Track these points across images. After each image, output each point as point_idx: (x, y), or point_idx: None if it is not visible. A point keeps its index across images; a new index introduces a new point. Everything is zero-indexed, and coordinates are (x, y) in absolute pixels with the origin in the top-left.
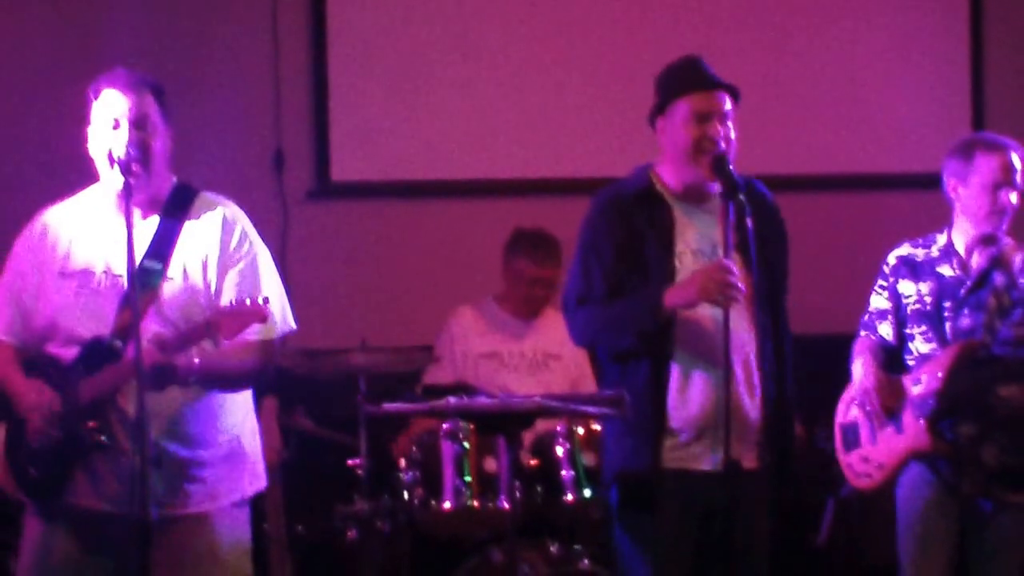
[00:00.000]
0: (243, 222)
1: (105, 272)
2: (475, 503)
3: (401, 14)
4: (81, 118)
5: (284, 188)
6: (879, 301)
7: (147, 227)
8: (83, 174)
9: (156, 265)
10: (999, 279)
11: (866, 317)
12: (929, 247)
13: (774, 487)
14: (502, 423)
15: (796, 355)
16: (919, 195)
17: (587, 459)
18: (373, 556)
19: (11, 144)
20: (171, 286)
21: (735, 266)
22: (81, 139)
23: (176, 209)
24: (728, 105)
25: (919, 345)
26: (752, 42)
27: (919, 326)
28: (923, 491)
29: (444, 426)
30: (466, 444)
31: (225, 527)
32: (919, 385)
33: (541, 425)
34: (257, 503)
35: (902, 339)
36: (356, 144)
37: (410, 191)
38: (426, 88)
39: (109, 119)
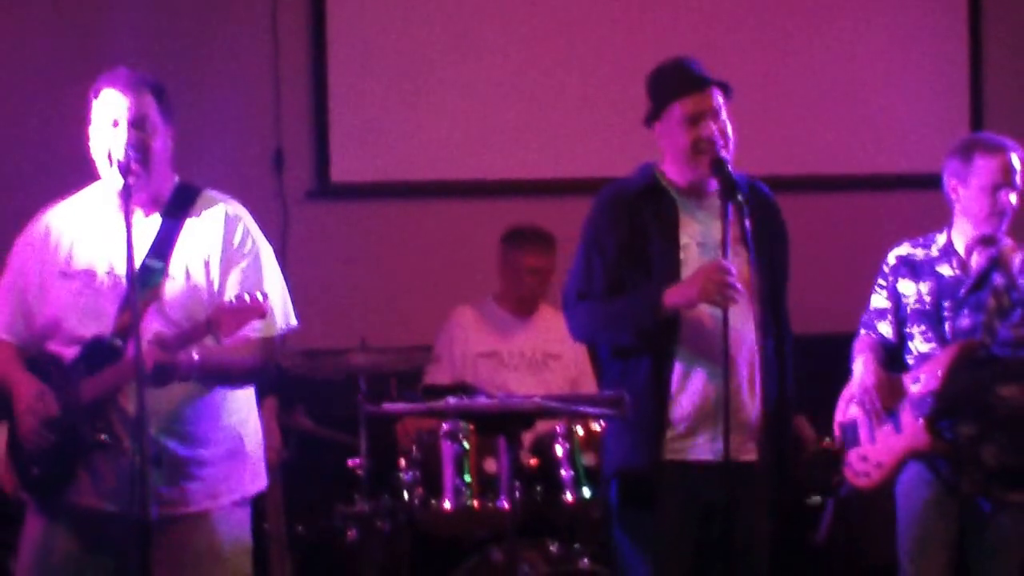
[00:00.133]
0: (245, 219)
1: (108, 272)
2: (475, 503)
3: (401, 14)
4: (81, 118)
5: (284, 188)
6: (879, 300)
7: (149, 226)
8: (84, 174)
9: (158, 264)
10: (998, 279)
11: (866, 316)
12: (929, 247)
13: (774, 486)
14: (502, 423)
15: (796, 355)
16: (918, 195)
17: (587, 459)
18: (373, 556)
19: (12, 144)
20: (173, 285)
21: (734, 266)
22: (81, 139)
23: (178, 208)
24: (720, 100)
25: (918, 344)
26: (752, 42)
27: (918, 326)
28: (922, 490)
29: (444, 426)
30: (466, 444)
31: (226, 526)
32: (918, 384)
33: (541, 425)
34: (257, 502)
35: (902, 338)
36: (356, 144)
37: (410, 191)
38: (426, 88)
39: (109, 119)
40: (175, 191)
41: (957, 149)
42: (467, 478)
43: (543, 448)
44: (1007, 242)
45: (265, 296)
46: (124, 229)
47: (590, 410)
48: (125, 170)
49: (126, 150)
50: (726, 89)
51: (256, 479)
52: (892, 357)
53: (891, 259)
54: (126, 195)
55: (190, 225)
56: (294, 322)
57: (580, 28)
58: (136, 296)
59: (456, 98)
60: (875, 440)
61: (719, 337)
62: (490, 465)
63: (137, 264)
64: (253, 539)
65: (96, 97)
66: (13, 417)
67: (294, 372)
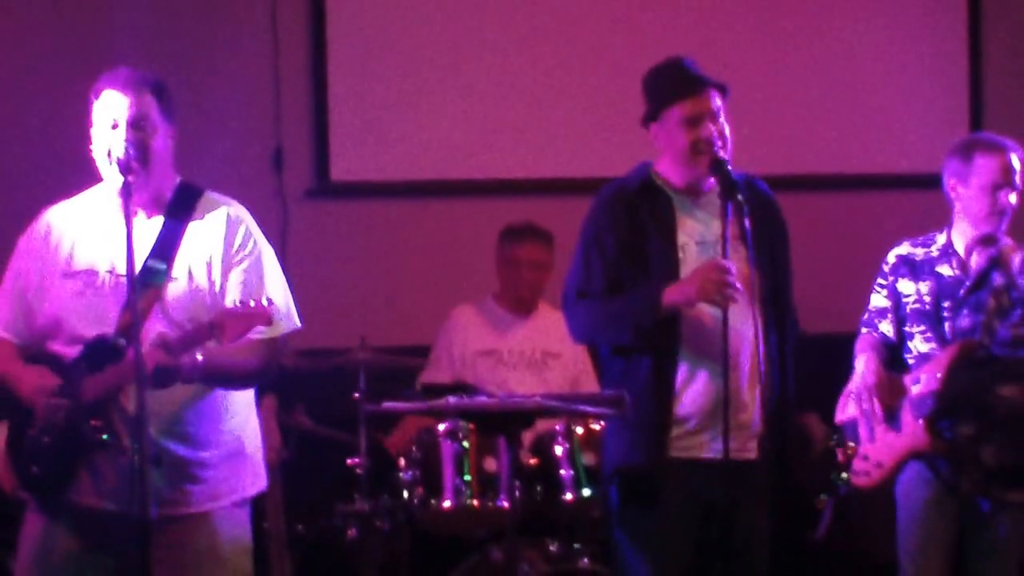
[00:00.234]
0: (248, 221)
1: (109, 272)
2: (475, 502)
3: (401, 14)
4: (82, 118)
5: (284, 187)
6: (879, 299)
7: (151, 227)
8: (85, 174)
9: (160, 265)
10: (998, 279)
11: (866, 315)
12: (929, 246)
13: (775, 485)
14: (502, 422)
15: (796, 354)
16: (917, 195)
17: (586, 458)
18: (373, 555)
19: (13, 144)
20: (175, 286)
21: (733, 265)
22: (82, 139)
23: (180, 209)
24: (717, 102)
25: (918, 344)
26: (751, 42)
27: (918, 325)
28: (922, 490)
29: (444, 425)
30: (466, 443)
31: (226, 526)
32: (918, 384)
33: (540, 424)
34: (257, 502)
35: (902, 337)
36: (356, 143)
37: (410, 190)
38: (426, 88)
39: (109, 119)
40: (177, 192)
41: (957, 149)
42: (467, 477)
43: (543, 447)
44: (1007, 241)
45: (271, 302)
46: (124, 229)
47: (590, 409)
48: (125, 169)
49: (126, 149)
50: (724, 90)
51: (256, 480)
52: (893, 356)
53: (891, 258)
54: (126, 194)
55: (193, 227)
56: (297, 323)
57: (580, 28)
58: (135, 296)
59: (456, 98)
60: (875, 440)
61: (720, 336)
62: (490, 464)
63: (139, 264)
64: (253, 538)
65: (97, 97)
66: (13, 416)
67: (294, 371)
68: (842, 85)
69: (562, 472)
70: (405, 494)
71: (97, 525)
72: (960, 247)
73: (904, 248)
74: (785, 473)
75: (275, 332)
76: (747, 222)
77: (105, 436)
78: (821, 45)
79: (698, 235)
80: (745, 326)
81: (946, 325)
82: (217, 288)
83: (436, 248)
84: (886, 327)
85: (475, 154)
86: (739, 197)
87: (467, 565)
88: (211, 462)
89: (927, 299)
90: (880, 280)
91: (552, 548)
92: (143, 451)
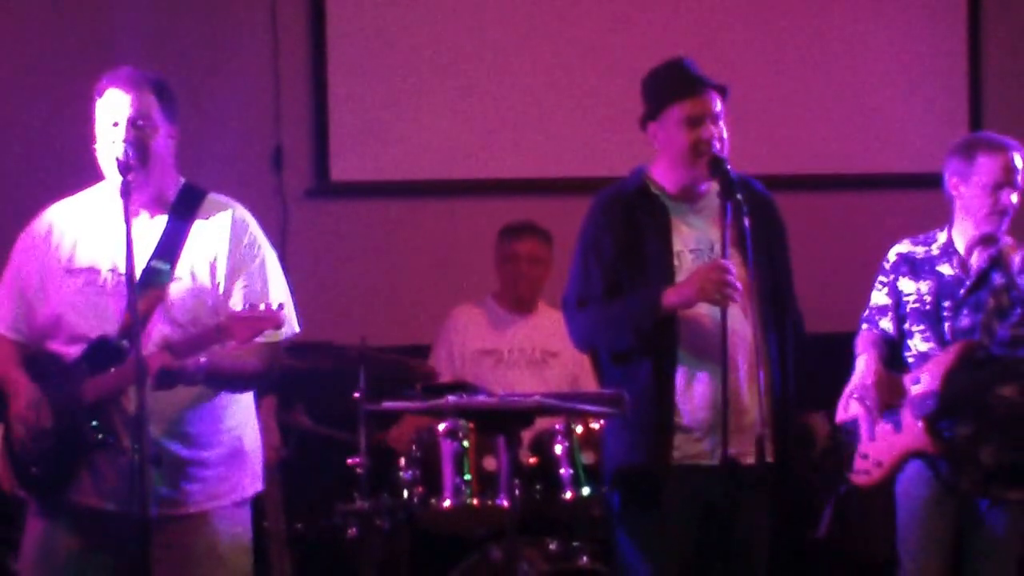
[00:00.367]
0: (252, 225)
1: (111, 271)
2: (474, 501)
3: (401, 14)
4: (83, 117)
5: (283, 187)
6: (879, 297)
7: (155, 227)
8: (86, 174)
9: (164, 265)
10: (998, 279)
11: (867, 312)
12: (929, 245)
13: (775, 486)
14: (502, 421)
15: (798, 354)
16: (917, 195)
17: (586, 457)
18: (373, 554)
19: (13, 143)
20: (179, 287)
21: (733, 265)
22: (84, 139)
23: (184, 209)
24: (718, 105)
25: (918, 343)
26: (751, 42)
27: (918, 325)
28: (922, 489)
29: (444, 425)
30: (465, 443)
31: (226, 526)
32: (918, 385)
33: (540, 423)
34: (257, 501)
35: (902, 334)
36: (355, 143)
37: (409, 190)
38: (426, 87)
39: (110, 118)
40: (180, 192)
41: (959, 147)
42: (467, 476)
43: (542, 446)
44: (1007, 240)
45: (281, 307)
46: (124, 228)
47: (590, 408)
48: (124, 168)
49: (125, 148)
50: (724, 93)
51: (255, 480)
52: (893, 353)
53: (892, 256)
54: (126, 193)
55: (197, 227)
56: (296, 328)
57: (580, 28)
58: (135, 295)
59: (456, 98)
60: (875, 438)
61: (718, 336)
62: (489, 463)
63: (142, 264)
64: (253, 538)
65: (100, 96)
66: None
67: (294, 371)
68: (842, 85)
69: (561, 471)
70: (405, 493)
71: (97, 525)
72: (960, 246)
73: (905, 246)
74: (787, 474)
75: (278, 336)
76: (746, 221)
77: (101, 436)
78: (821, 45)
79: (693, 242)
80: (743, 327)
81: (946, 325)
82: (221, 290)
83: (436, 248)
84: (886, 324)
85: (475, 154)
86: (738, 197)
87: (467, 564)
88: (211, 462)
89: (927, 298)
90: (881, 277)
91: (552, 547)
92: (143, 451)
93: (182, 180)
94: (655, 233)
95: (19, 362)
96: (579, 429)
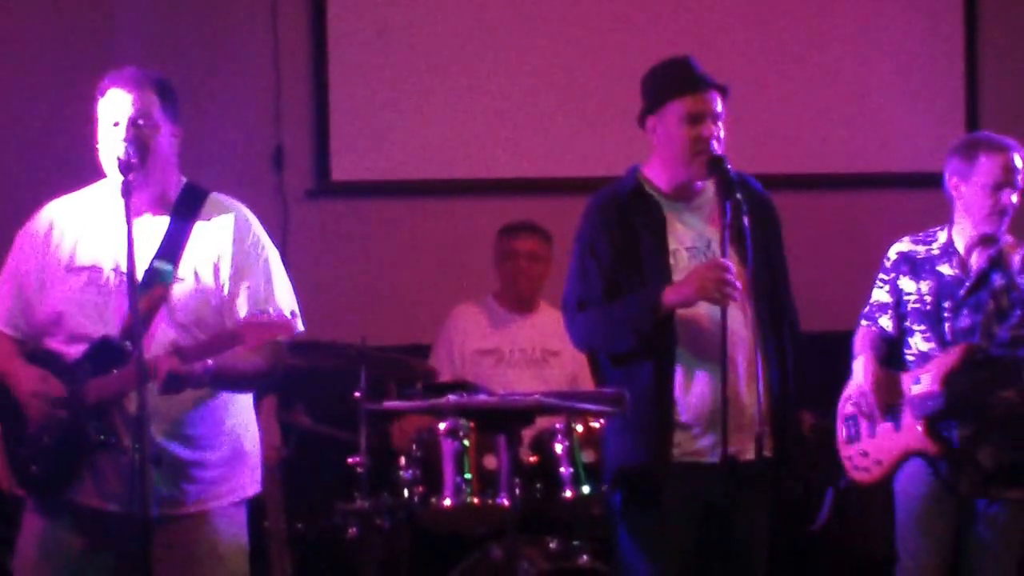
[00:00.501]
0: (255, 225)
1: (114, 270)
2: (475, 500)
3: (401, 14)
4: (84, 117)
5: (284, 187)
6: (880, 294)
7: (157, 227)
8: (86, 174)
9: (167, 266)
10: (998, 280)
11: (867, 308)
12: (929, 244)
13: (775, 485)
14: (502, 420)
15: (796, 352)
16: (915, 194)
17: (586, 456)
18: (373, 553)
19: (13, 143)
20: (182, 287)
21: (732, 264)
22: (85, 139)
23: (186, 210)
24: (719, 106)
25: (918, 342)
26: (751, 42)
27: (919, 324)
28: (920, 486)
29: (444, 424)
30: (466, 442)
31: (225, 526)
32: (919, 385)
33: (540, 422)
34: (257, 501)
35: (902, 332)
36: (356, 143)
37: (410, 190)
38: (426, 87)
39: (111, 117)
40: (182, 192)
41: (960, 147)
42: (467, 475)
43: (543, 445)
44: (1007, 239)
45: (293, 314)
46: (125, 227)
47: (590, 407)
48: (125, 168)
49: (126, 147)
50: (725, 93)
51: (254, 481)
52: (892, 351)
53: (892, 254)
54: (127, 192)
55: (199, 228)
56: (301, 328)
57: (580, 28)
58: (135, 295)
59: (456, 97)
60: (876, 436)
61: (717, 335)
62: (490, 462)
63: (145, 264)
64: (253, 537)
65: (102, 96)
66: (9, 414)
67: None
68: (838, 85)
69: (562, 470)
70: (405, 492)
71: (99, 525)
72: (961, 246)
73: (905, 245)
74: (786, 473)
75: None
76: (745, 220)
77: (103, 436)
78: (818, 45)
79: (689, 240)
80: (742, 326)
81: (946, 325)
82: (226, 291)
83: (436, 247)
84: (886, 322)
85: (475, 154)
86: (738, 196)
87: (467, 563)
88: (212, 463)
89: (928, 298)
90: (882, 275)
91: (552, 545)
92: (144, 450)
93: (184, 180)
94: (650, 232)
95: (18, 356)
96: (579, 428)
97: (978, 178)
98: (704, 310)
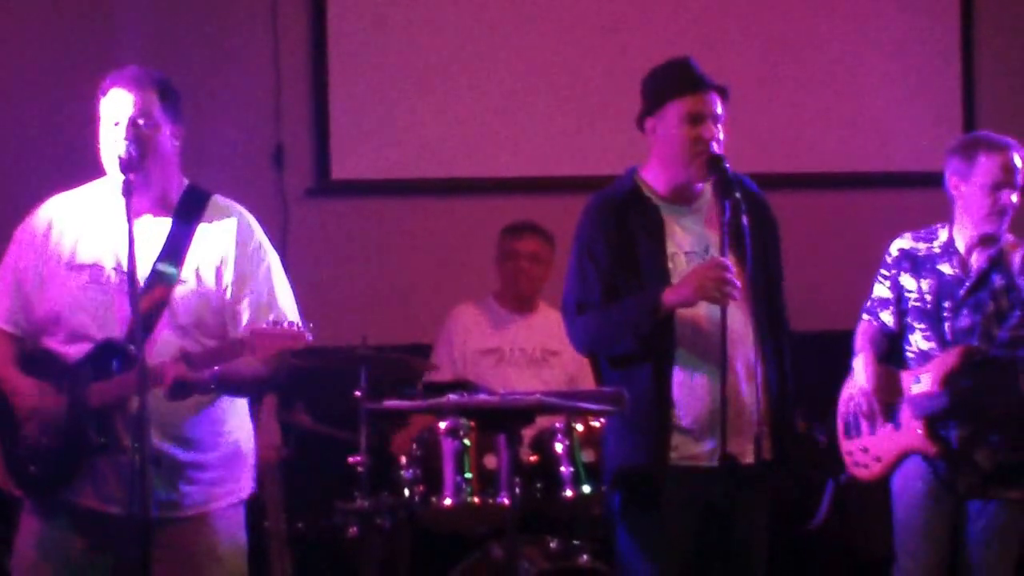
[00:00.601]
0: (257, 230)
1: (115, 268)
2: (475, 499)
3: (401, 13)
4: (84, 116)
5: (284, 186)
6: (881, 290)
7: (159, 228)
8: (86, 173)
9: (170, 268)
10: (998, 281)
11: (869, 303)
12: (931, 241)
13: (775, 486)
14: (502, 420)
15: (793, 352)
16: (910, 194)
17: (586, 455)
18: (373, 552)
19: (13, 143)
20: (184, 289)
21: (731, 264)
22: (85, 138)
23: (188, 212)
24: (719, 107)
25: (919, 341)
26: (750, 42)
27: (919, 323)
28: (919, 484)
29: (445, 423)
30: (466, 441)
31: (223, 527)
32: (919, 384)
33: (541, 421)
34: (257, 501)
35: (903, 327)
36: (356, 142)
37: (410, 189)
38: (426, 87)
39: (112, 117)
40: (184, 194)
41: (959, 147)
42: (467, 475)
43: (543, 444)
44: (1008, 238)
45: (305, 326)
46: (126, 227)
47: (590, 406)
48: (126, 167)
49: (127, 146)
50: (725, 95)
51: (250, 481)
52: (892, 346)
53: (894, 251)
54: (127, 192)
55: (202, 231)
56: (310, 339)
57: (579, 28)
58: (136, 297)
59: (456, 96)
60: (876, 434)
61: (716, 336)
62: (490, 461)
63: (147, 266)
64: (253, 537)
65: (104, 95)
66: (6, 416)
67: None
68: (838, 85)
69: (562, 469)
70: (406, 492)
71: (98, 527)
72: (961, 245)
73: (906, 242)
74: (787, 473)
75: None
76: (744, 220)
77: (104, 440)
78: (816, 45)
79: (688, 244)
80: (741, 326)
81: (946, 325)
82: (228, 295)
83: (437, 247)
84: (887, 317)
85: (475, 153)
86: (737, 196)
87: (468, 562)
88: (210, 465)
89: (928, 297)
90: (883, 271)
91: (552, 545)
92: (144, 451)
93: (185, 182)
94: (647, 235)
95: (15, 359)
96: (580, 427)
97: (978, 178)
98: (703, 310)
